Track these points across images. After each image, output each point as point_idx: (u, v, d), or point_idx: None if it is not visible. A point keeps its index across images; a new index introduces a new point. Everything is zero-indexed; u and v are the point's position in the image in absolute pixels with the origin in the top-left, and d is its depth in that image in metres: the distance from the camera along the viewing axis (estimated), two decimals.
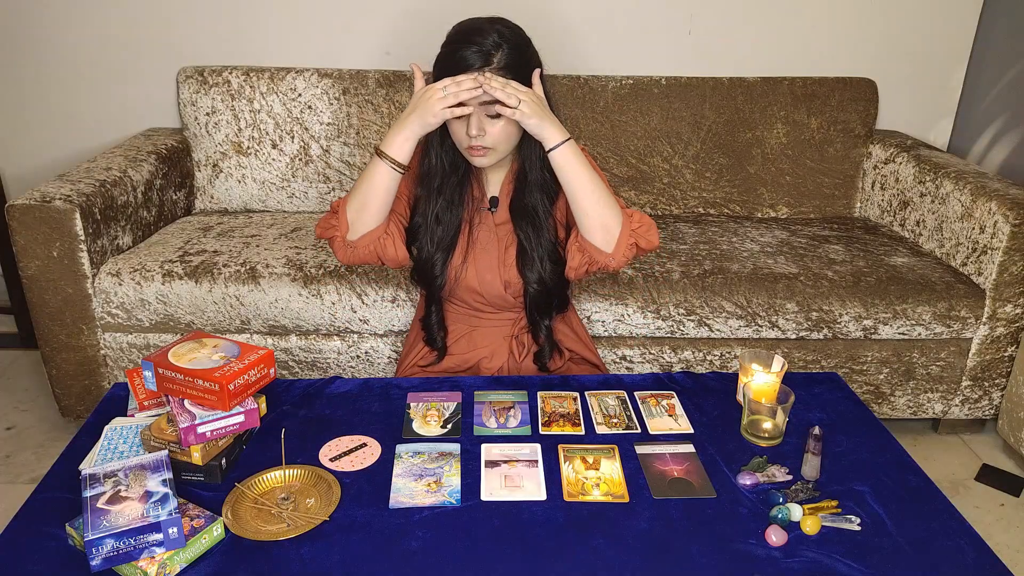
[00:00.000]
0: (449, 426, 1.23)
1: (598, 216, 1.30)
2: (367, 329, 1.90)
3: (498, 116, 1.28)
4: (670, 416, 1.27)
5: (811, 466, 1.12)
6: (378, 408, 1.28)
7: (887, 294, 1.89)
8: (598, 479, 1.11)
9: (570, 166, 1.28)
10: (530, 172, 1.38)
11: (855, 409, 1.31)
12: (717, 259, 2.00)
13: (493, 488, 1.09)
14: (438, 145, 1.37)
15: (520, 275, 1.41)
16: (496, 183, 1.44)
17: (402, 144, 1.28)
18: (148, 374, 1.14)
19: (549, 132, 1.26)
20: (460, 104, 1.26)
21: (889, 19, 2.41)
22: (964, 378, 2.00)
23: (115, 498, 0.96)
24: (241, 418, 1.12)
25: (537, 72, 1.31)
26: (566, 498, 1.07)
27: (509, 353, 1.50)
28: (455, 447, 1.18)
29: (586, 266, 1.37)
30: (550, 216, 1.40)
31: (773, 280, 1.91)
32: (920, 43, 2.45)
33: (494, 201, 1.44)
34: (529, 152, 1.37)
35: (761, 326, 1.90)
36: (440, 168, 1.39)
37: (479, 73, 1.24)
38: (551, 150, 1.27)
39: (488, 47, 1.25)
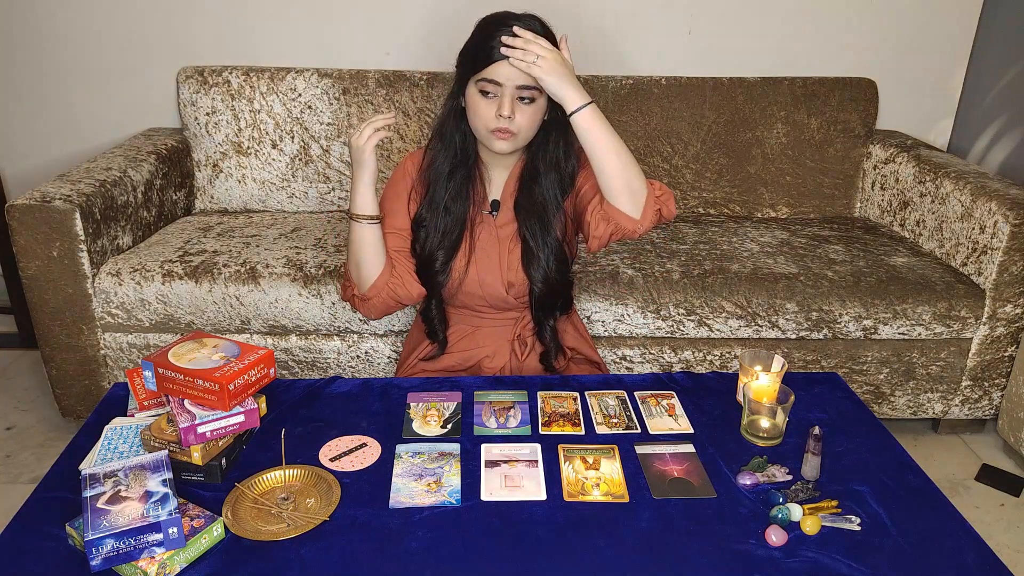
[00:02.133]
0: (449, 426, 1.23)
1: (625, 180, 1.29)
2: (367, 329, 1.90)
3: (531, 101, 1.28)
4: (670, 416, 1.27)
5: (811, 466, 1.12)
6: (378, 408, 1.28)
7: (887, 294, 1.89)
8: (598, 479, 1.11)
9: (596, 128, 1.26)
10: (544, 166, 1.37)
11: (855, 409, 1.31)
12: (717, 259, 2.00)
13: (493, 488, 1.09)
14: (452, 127, 1.37)
15: (525, 274, 1.41)
16: (499, 184, 1.44)
17: (362, 199, 1.31)
18: (148, 374, 1.14)
19: (570, 93, 1.25)
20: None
21: (889, 19, 2.42)
22: (964, 378, 2.00)
23: (115, 498, 0.96)
24: (241, 418, 1.12)
25: (564, 37, 1.30)
26: (566, 498, 1.07)
27: (511, 352, 1.50)
28: (455, 447, 1.18)
29: (610, 235, 1.35)
30: (560, 210, 1.40)
31: (773, 280, 1.91)
32: (920, 43, 2.45)
33: (495, 205, 1.43)
34: (544, 146, 1.37)
35: (761, 326, 1.90)
36: (452, 150, 1.38)
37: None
38: (573, 113, 1.26)
39: None
